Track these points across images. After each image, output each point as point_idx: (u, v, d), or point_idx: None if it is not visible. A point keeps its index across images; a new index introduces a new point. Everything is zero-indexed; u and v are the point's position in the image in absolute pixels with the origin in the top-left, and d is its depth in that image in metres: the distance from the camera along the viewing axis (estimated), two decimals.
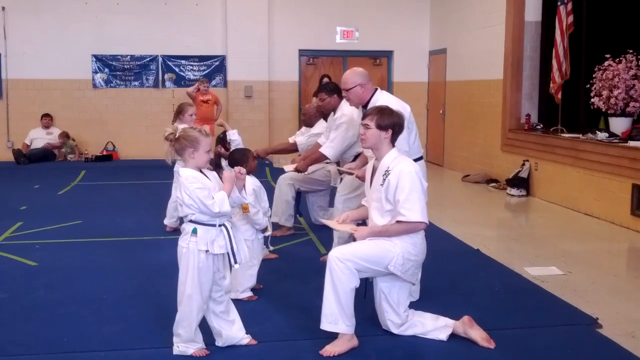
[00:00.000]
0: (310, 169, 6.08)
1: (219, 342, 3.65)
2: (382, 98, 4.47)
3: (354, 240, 3.71)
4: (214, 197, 3.37)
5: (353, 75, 4.57)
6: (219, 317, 3.63)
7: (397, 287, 3.75)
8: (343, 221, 3.89)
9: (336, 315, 3.53)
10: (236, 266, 3.56)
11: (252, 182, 4.48)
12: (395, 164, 3.67)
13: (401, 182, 3.60)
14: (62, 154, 12.32)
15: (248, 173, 4.57)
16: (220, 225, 3.47)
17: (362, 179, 4.46)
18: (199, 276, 3.45)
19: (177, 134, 3.48)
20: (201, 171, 3.50)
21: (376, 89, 4.61)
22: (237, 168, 3.62)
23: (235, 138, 5.18)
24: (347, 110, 5.37)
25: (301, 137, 6.52)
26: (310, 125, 6.57)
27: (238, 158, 4.59)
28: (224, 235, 3.47)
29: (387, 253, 3.61)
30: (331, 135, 5.56)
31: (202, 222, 3.44)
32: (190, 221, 3.46)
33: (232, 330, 3.66)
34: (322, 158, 5.67)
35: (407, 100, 10.74)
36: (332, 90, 5.73)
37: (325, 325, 3.57)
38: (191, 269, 3.45)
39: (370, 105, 4.42)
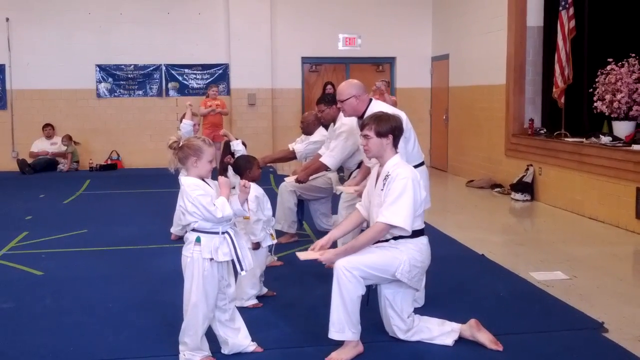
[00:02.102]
0: (313, 176, 6.10)
1: (225, 350, 3.66)
2: (376, 108, 4.46)
3: (323, 262, 3.65)
4: (215, 204, 3.39)
5: (348, 87, 4.58)
6: (225, 325, 3.64)
7: (401, 293, 3.75)
8: (322, 247, 3.77)
9: (343, 323, 3.54)
10: (243, 273, 3.56)
11: (254, 190, 4.48)
12: (395, 169, 3.66)
13: (393, 185, 3.59)
14: (68, 157, 12.25)
15: (252, 181, 4.58)
16: (223, 233, 3.48)
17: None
18: (204, 285, 3.46)
19: (181, 143, 3.50)
20: (203, 179, 3.51)
21: (371, 100, 4.61)
22: (241, 182, 3.62)
23: (239, 148, 5.18)
24: (346, 120, 5.39)
25: (300, 145, 6.54)
26: (309, 133, 6.58)
27: (242, 164, 4.58)
28: (227, 242, 3.48)
29: (394, 260, 3.61)
30: (331, 144, 5.58)
31: (205, 230, 3.45)
32: (194, 230, 3.47)
33: (238, 338, 3.67)
34: (322, 168, 5.68)
35: (410, 106, 10.74)
36: (331, 101, 5.76)
37: (333, 334, 3.57)
38: (196, 278, 3.46)
39: (365, 116, 4.41)
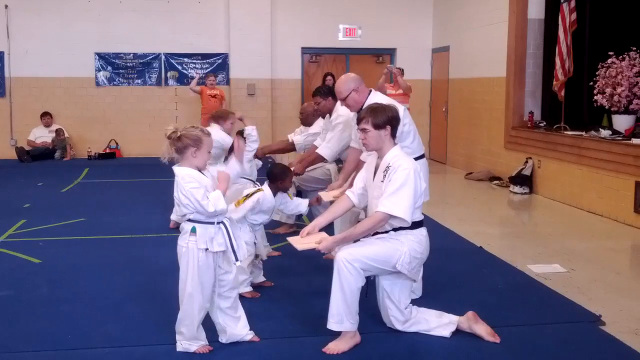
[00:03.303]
0: (310, 167, 6.09)
1: (223, 339, 3.66)
2: (375, 99, 4.44)
3: (321, 251, 3.60)
4: (209, 197, 3.37)
5: (346, 83, 4.54)
6: (225, 313, 3.63)
7: (399, 285, 3.75)
8: (308, 233, 3.78)
9: (342, 314, 3.54)
10: (238, 264, 3.55)
11: (263, 198, 4.42)
12: (396, 160, 3.64)
13: (394, 176, 3.57)
14: (68, 149, 12.30)
15: (282, 190, 4.50)
16: (219, 223, 3.47)
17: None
18: (199, 275, 3.46)
19: (179, 133, 3.47)
20: (199, 170, 3.49)
21: (370, 91, 4.59)
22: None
23: (253, 134, 5.07)
24: (342, 111, 5.39)
25: (299, 137, 6.52)
26: (308, 124, 6.56)
27: (277, 173, 4.48)
28: (222, 232, 3.48)
29: (394, 252, 3.60)
30: (327, 136, 5.58)
31: (200, 220, 3.44)
32: (189, 220, 3.46)
33: (237, 327, 3.67)
34: (318, 159, 5.68)
35: (410, 98, 10.67)
36: (326, 92, 5.74)
37: (332, 325, 3.58)
38: (191, 268, 3.46)
39: (364, 107, 4.40)
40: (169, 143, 3.47)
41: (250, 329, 3.72)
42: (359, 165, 4.53)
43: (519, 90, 9.60)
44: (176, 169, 3.45)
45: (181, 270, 3.51)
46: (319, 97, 5.82)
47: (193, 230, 3.44)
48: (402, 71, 10.30)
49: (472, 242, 6.11)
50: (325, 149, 5.53)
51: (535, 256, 5.69)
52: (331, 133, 5.52)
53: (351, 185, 4.35)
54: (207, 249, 3.45)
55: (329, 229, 4.16)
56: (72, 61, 12.37)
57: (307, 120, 6.56)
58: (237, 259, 3.52)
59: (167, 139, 3.47)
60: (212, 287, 3.53)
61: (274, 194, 4.46)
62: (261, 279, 4.68)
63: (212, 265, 3.50)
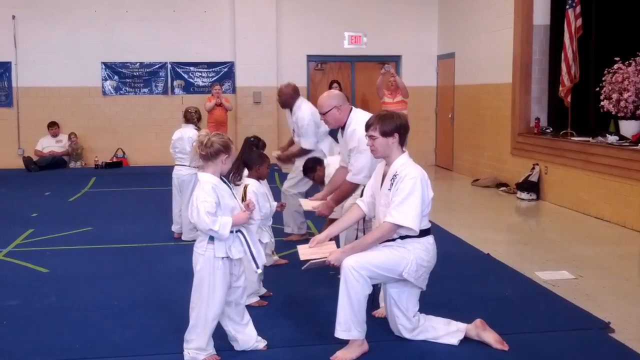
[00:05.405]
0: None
1: (236, 347, 3.67)
2: (356, 117, 4.45)
3: (330, 263, 3.60)
4: (219, 219, 3.35)
5: (328, 98, 4.55)
6: (234, 321, 3.64)
7: (407, 292, 3.74)
8: (318, 242, 3.78)
9: (349, 322, 3.53)
10: (258, 271, 3.57)
11: (254, 187, 4.48)
12: (403, 169, 3.64)
13: (401, 185, 3.57)
14: (82, 154, 12.43)
15: (259, 178, 4.58)
16: (237, 232, 3.49)
17: (321, 214, 4.51)
18: (215, 283, 3.46)
19: (212, 139, 3.46)
20: (223, 180, 3.52)
21: (351, 109, 4.58)
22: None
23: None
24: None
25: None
26: (288, 106, 6.67)
27: (254, 159, 4.59)
28: (240, 240, 3.50)
29: (401, 260, 3.60)
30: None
31: None
32: None
33: (245, 333, 3.67)
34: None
35: (416, 104, 10.70)
36: (311, 167, 5.53)
37: (340, 333, 3.57)
38: (208, 276, 3.46)
39: (347, 126, 4.46)
40: (197, 147, 3.45)
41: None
42: (343, 183, 4.53)
43: (525, 97, 9.58)
44: (201, 174, 3.47)
45: (195, 278, 3.51)
46: (309, 174, 5.58)
47: (211, 239, 3.44)
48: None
49: (479, 249, 6.09)
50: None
51: (543, 263, 5.67)
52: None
53: (335, 197, 4.50)
54: (224, 257, 3.46)
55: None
56: (79, 71, 12.43)
57: (286, 102, 6.72)
58: (257, 267, 3.53)
59: (199, 143, 3.45)
60: (225, 295, 3.53)
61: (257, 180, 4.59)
62: (262, 290, 4.66)
63: (228, 273, 3.51)
